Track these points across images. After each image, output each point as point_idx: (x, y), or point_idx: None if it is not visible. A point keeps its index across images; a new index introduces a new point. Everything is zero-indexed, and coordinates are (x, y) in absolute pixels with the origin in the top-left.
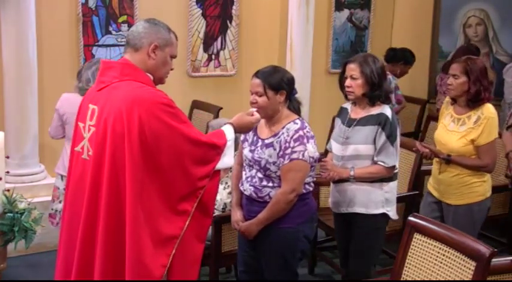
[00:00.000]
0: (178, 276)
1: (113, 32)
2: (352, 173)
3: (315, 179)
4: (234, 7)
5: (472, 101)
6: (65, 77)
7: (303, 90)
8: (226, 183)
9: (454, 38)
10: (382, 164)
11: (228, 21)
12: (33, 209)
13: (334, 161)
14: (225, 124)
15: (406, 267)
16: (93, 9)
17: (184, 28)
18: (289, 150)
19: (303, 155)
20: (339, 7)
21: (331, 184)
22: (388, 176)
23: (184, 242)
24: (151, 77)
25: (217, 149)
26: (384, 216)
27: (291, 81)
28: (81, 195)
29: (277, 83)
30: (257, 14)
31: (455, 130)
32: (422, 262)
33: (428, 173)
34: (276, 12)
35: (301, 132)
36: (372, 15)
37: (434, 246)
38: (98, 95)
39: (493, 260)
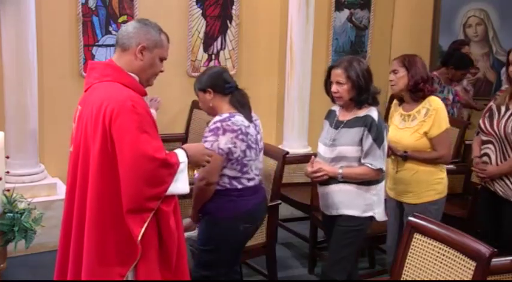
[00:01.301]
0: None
1: (113, 32)
2: (340, 171)
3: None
4: (234, 7)
5: (413, 91)
6: (65, 77)
7: (303, 90)
8: None
9: (454, 38)
10: (369, 166)
11: (228, 21)
12: (33, 209)
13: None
14: (177, 148)
15: (406, 267)
16: (93, 9)
17: (184, 28)
18: (203, 140)
19: (212, 145)
20: (339, 7)
21: (318, 186)
22: (375, 178)
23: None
24: (137, 78)
25: (170, 169)
26: (370, 218)
27: (213, 78)
28: (69, 197)
29: (203, 84)
30: (257, 14)
31: (406, 127)
32: (422, 262)
33: None
34: (276, 12)
35: (218, 124)
36: (372, 15)
37: (434, 246)
38: (84, 96)
39: (493, 260)
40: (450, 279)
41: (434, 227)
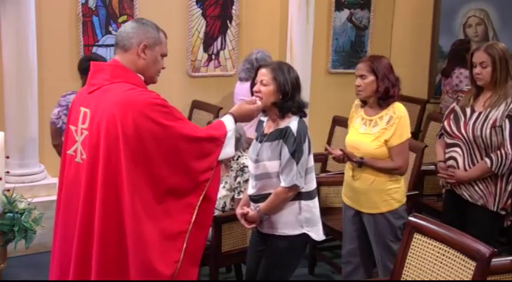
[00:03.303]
0: (185, 265)
1: (113, 32)
2: (259, 207)
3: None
4: (234, 7)
5: (383, 99)
6: (65, 77)
7: (303, 91)
8: (226, 182)
9: (454, 38)
10: (282, 183)
11: (228, 21)
12: (33, 209)
13: (251, 180)
14: (225, 114)
15: (406, 267)
16: (93, 9)
17: (185, 28)
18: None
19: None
20: (339, 7)
21: (251, 205)
22: (289, 198)
23: (192, 234)
24: (142, 78)
25: (217, 141)
26: (303, 237)
27: None
28: (75, 198)
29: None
30: (257, 14)
31: (367, 132)
32: (422, 262)
33: (429, 173)
34: (276, 12)
35: None
36: (372, 15)
37: (434, 246)
38: (89, 97)
39: (493, 260)
40: (450, 279)
41: (435, 227)
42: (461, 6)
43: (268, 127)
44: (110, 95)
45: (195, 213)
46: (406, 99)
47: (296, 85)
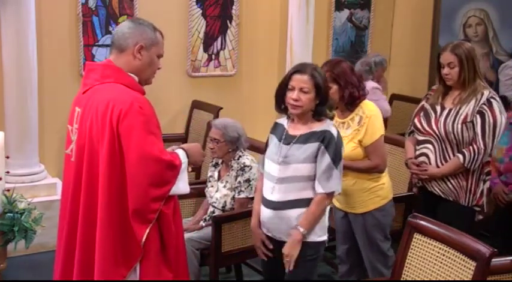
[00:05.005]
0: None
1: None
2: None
3: None
4: (234, 7)
5: (350, 103)
6: (65, 77)
7: None
8: (227, 181)
9: (454, 38)
10: (321, 190)
11: (228, 21)
12: (33, 209)
13: (268, 182)
14: (177, 148)
15: (406, 267)
16: (93, 9)
17: (185, 28)
18: None
19: None
20: (339, 7)
21: (266, 210)
22: (329, 203)
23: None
24: (136, 78)
25: (174, 170)
26: (322, 244)
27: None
28: (72, 197)
29: None
30: (257, 14)
31: (342, 135)
32: (422, 262)
33: None
34: (276, 12)
35: None
36: (372, 15)
37: (434, 246)
38: (82, 97)
39: (493, 260)
40: (450, 279)
41: (435, 227)
42: (461, 6)
43: (296, 129)
44: (97, 95)
45: (143, 240)
46: (406, 99)
47: (328, 88)
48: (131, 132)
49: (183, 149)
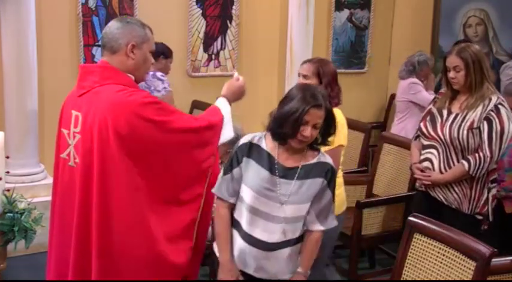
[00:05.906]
0: (193, 253)
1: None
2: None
3: None
4: (234, 7)
5: None
6: (65, 77)
7: None
8: None
9: (454, 38)
10: (320, 226)
11: (228, 21)
12: (33, 209)
13: (262, 221)
14: (217, 98)
15: (406, 267)
16: (93, 9)
17: (185, 28)
18: None
19: None
20: (339, 7)
21: (253, 249)
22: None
23: (200, 221)
24: (132, 77)
25: (215, 128)
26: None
27: None
28: (70, 202)
29: None
30: (257, 14)
31: None
32: (422, 262)
33: None
34: (276, 12)
35: None
36: (372, 15)
37: (434, 246)
38: (80, 100)
39: (493, 260)
40: (450, 279)
41: (435, 227)
42: (461, 6)
43: (288, 158)
44: (100, 97)
45: (202, 200)
46: None
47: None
48: (154, 125)
49: (224, 96)
